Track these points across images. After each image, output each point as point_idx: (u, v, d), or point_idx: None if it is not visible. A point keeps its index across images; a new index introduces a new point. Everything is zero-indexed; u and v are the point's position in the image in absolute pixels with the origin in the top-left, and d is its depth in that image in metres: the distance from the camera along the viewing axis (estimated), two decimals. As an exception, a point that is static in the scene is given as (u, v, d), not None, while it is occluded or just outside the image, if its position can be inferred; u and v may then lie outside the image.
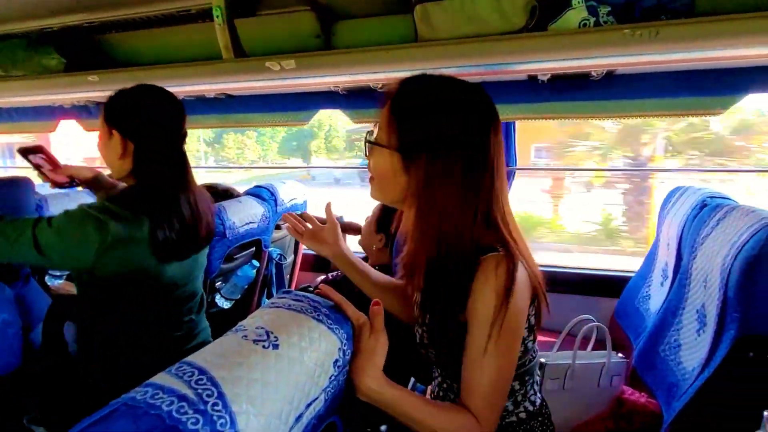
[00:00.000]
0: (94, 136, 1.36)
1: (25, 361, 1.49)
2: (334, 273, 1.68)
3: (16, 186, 1.70)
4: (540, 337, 1.02)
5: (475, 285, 0.77)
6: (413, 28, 1.52)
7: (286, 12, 1.70)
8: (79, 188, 1.54)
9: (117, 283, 1.12)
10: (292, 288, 2.49)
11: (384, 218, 1.67)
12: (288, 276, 2.50)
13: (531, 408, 0.92)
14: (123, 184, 1.25)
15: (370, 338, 0.70)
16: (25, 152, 1.44)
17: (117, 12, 1.66)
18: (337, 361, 0.64)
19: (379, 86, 1.91)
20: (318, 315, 0.63)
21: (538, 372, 0.98)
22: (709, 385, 1.05)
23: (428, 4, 1.44)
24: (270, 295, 2.29)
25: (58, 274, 1.81)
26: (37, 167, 1.44)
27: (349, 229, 2.06)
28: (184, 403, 0.42)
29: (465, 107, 0.80)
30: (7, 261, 1.07)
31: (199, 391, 0.43)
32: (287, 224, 1.13)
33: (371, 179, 0.88)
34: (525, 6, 1.36)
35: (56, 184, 1.43)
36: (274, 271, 2.28)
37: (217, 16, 1.60)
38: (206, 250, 1.37)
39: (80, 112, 2.44)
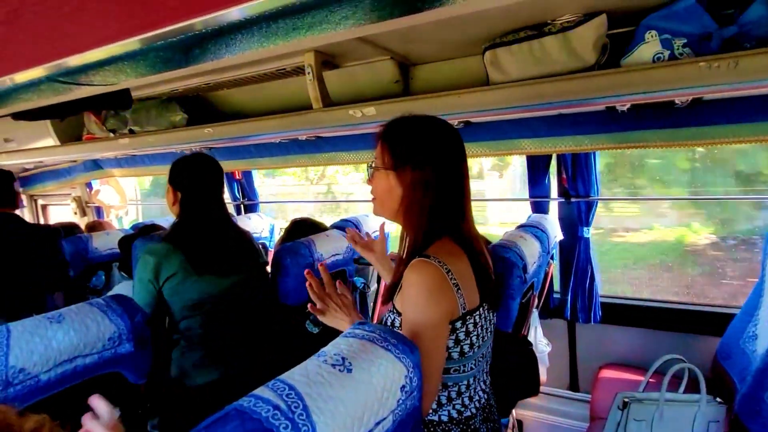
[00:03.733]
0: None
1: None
2: None
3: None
4: (626, 375, 1.04)
5: (402, 282, 0.98)
6: (485, 70, 1.61)
7: (369, 62, 1.89)
8: None
9: None
10: (376, 315, 2.62)
11: None
12: (372, 304, 2.63)
13: (456, 415, 1.03)
14: None
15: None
16: None
17: (226, 74, 1.96)
18: (404, 387, 0.73)
19: (455, 123, 2.01)
20: (387, 345, 0.73)
21: (467, 387, 1.04)
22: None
23: (498, 48, 1.52)
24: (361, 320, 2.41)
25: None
26: None
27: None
28: (277, 412, 0.54)
29: (435, 132, 1.03)
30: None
31: (289, 402, 0.55)
32: (348, 234, 1.41)
33: (373, 199, 1.11)
34: (595, 43, 1.39)
35: None
36: (358, 299, 2.42)
37: (309, 72, 1.82)
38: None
39: (197, 157, 2.84)
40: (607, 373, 2.10)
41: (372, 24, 0.90)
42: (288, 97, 2.14)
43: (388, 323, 1.05)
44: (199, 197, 1.59)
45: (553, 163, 2.19)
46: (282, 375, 0.61)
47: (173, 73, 1.95)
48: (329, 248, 2.01)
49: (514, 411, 2.00)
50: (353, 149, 2.46)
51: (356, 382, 0.63)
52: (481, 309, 1.02)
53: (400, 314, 1.01)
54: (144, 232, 2.20)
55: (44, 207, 4.12)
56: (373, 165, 1.10)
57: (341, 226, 2.28)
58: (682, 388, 1.45)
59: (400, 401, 0.71)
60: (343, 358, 0.66)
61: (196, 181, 1.59)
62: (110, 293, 1.65)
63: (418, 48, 1.75)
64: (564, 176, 2.16)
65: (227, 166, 2.85)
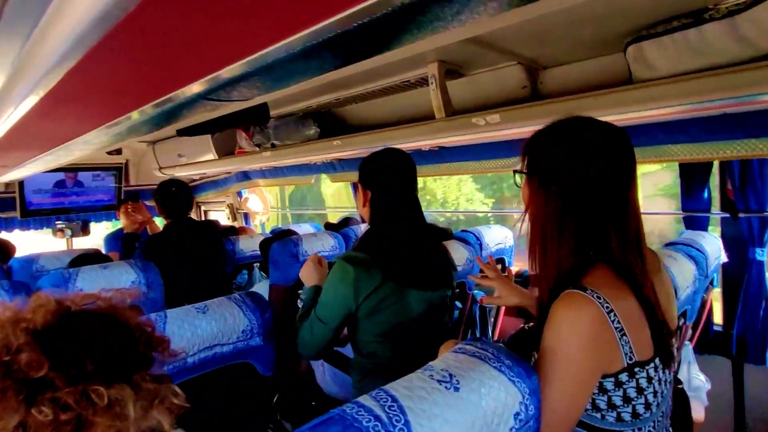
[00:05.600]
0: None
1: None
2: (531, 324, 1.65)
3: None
4: None
5: (549, 315, 0.81)
6: (627, 68, 1.44)
7: (494, 69, 1.83)
8: None
9: None
10: (497, 331, 2.50)
11: None
12: (492, 319, 2.52)
13: None
14: None
15: None
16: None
17: (353, 89, 2.07)
18: (518, 414, 0.66)
19: (590, 129, 1.83)
20: (500, 366, 0.68)
21: None
22: None
23: (644, 42, 1.34)
24: (474, 335, 2.34)
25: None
26: None
27: None
28: (378, 423, 0.52)
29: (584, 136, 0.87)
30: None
31: (390, 415, 0.54)
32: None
33: (525, 209, 0.95)
34: (774, 26, 1.15)
35: None
36: (478, 312, 2.33)
37: (432, 82, 1.83)
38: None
39: (328, 168, 3.05)
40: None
41: (500, 27, 0.87)
42: (412, 108, 2.17)
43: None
44: (390, 196, 1.36)
45: (715, 171, 1.87)
46: (386, 385, 0.60)
47: (308, 89, 2.13)
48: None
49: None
50: (477, 159, 2.40)
51: (463, 402, 0.59)
52: (654, 363, 0.82)
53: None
54: (281, 236, 2.42)
55: (206, 212, 4.80)
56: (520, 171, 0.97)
57: (462, 237, 2.23)
58: None
59: (513, 430, 0.65)
60: (450, 375, 0.62)
61: (386, 177, 1.37)
62: (250, 290, 1.85)
63: (547, 50, 1.64)
64: (729, 187, 1.82)
65: (353, 176, 3.00)
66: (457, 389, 0.60)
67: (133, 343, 0.58)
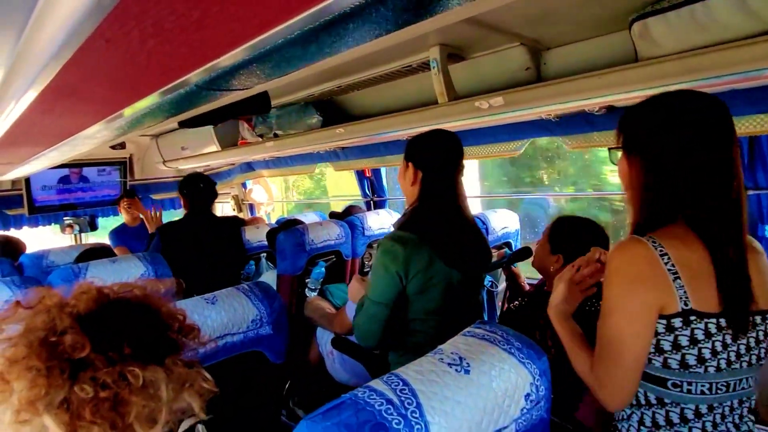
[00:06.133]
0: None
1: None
2: (516, 303, 1.66)
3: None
4: None
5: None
6: (632, 46, 1.41)
7: (496, 51, 1.80)
8: None
9: None
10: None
11: (557, 236, 1.53)
12: (500, 303, 2.52)
13: None
14: None
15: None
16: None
17: (354, 76, 2.04)
18: (529, 395, 0.66)
19: (596, 110, 1.80)
20: (510, 348, 0.68)
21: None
22: None
23: (649, 19, 1.31)
24: (482, 319, 2.34)
25: (313, 287, 2.27)
26: None
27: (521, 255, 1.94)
28: (390, 406, 0.53)
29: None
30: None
31: (402, 398, 0.54)
32: None
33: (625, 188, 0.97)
34: (784, -3, 1.12)
35: None
36: (485, 297, 2.33)
37: (434, 67, 1.80)
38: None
39: (331, 156, 3.04)
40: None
41: (502, 6, 0.85)
42: (414, 94, 2.15)
43: None
44: (441, 177, 1.37)
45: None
46: (396, 369, 0.60)
47: (309, 77, 2.11)
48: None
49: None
50: (479, 143, 2.38)
51: (474, 384, 0.59)
52: (717, 321, 0.81)
53: None
54: (287, 225, 2.43)
55: (211, 204, 4.82)
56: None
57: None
58: None
59: (524, 410, 0.65)
60: (460, 358, 0.62)
61: (438, 159, 1.38)
62: (258, 280, 1.86)
63: (551, 30, 1.61)
64: (738, 164, 1.79)
65: (358, 164, 2.99)
66: (467, 372, 0.60)
67: (165, 328, 0.62)
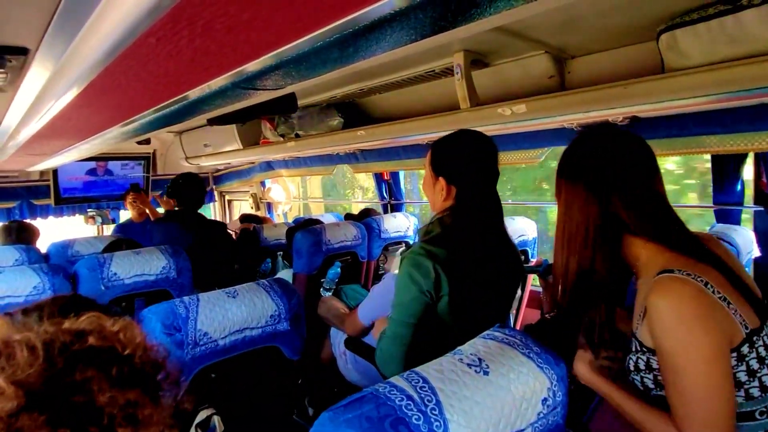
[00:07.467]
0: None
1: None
2: (552, 313, 1.64)
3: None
4: None
5: (648, 309, 0.79)
6: (658, 57, 1.40)
7: (520, 58, 1.81)
8: None
9: None
10: (519, 320, 2.50)
11: None
12: (515, 310, 2.51)
13: None
14: None
15: None
16: None
17: (378, 79, 2.06)
18: (546, 400, 0.67)
19: (619, 119, 1.79)
20: (528, 352, 0.68)
21: None
22: None
23: (677, 30, 1.31)
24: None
25: (328, 287, 2.29)
26: None
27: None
28: (410, 402, 0.54)
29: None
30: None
31: (422, 395, 0.55)
32: None
33: None
34: (818, 11, 1.11)
35: None
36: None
37: (457, 72, 1.82)
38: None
39: (350, 158, 3.07)
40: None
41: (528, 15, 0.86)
42: (435, 99, 2.17)
43: (640, 367, 0.83)
44: (477, 194, 1.25)
45: (749, 162, 1.81)
46: (416, 367, 0.61)
47: (333, 79, 2.14)
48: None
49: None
50: (500, 150, 2.37)
51: (493, 386, 0.60)
52: (766, 329, 0.78)
53: (653, 352, 0.79)
54: (304, 225, 2.46)
55: (230, 202, 4.89)
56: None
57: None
58: None
59: (541, 415, 0.66)
60: (479, 359, 0.64)
61: (474, 173, 1.25)
62: (275, 277, 1.89)
63: (576, 39, 1.61)
64: (764, 180, 1.77)
65: (376, 167, 3.01)
66: (486, 373, 0.61)
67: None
